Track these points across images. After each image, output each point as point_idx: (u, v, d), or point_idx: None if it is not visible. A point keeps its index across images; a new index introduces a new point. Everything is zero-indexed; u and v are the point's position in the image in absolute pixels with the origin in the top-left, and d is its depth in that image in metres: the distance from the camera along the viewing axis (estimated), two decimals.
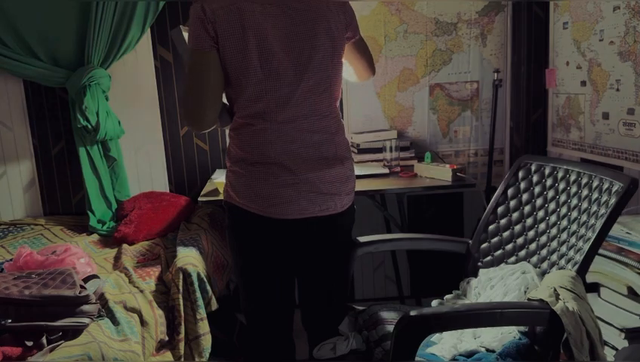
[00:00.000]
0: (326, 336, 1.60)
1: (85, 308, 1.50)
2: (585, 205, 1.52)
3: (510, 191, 1.78)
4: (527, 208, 1.72)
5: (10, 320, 1.39)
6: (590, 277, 1.86)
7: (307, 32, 1.50)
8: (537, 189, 1.71)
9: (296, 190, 1.52)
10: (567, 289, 1.34)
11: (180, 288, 1.80)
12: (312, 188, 1.53)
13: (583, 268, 1.43)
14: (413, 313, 1.25)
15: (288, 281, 1.70)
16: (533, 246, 1.66)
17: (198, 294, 1.81)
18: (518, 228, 1.73)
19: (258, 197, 1.53)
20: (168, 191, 2.65)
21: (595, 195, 1.50)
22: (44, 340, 1.37)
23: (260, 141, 1.52)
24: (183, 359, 1.69)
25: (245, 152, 1.55)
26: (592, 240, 1.42)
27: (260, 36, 1.47)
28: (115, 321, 1.56)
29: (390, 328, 1.53)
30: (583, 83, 2.35)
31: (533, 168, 1.75)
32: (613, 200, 1.42)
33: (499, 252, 1.76)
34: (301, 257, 1.67)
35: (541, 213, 1.67)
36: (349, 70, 1.74)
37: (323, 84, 1.54)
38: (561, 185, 1.63)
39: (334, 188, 1.56)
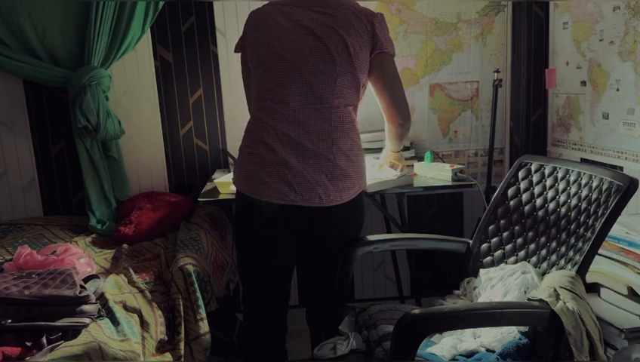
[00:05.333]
0: (323, 334, 1.62)
1: (85, 308, 1.50)
2: (585, 205, 1.52)
3: (510, 191, 1.78)
4: (527, 208, 1.72)
5: (10, 320, 1.39)
6: (590, 277, 1.86)
7: (319, 28, 1.61)
8: (537, 189, 1.71)
9: (276, 170, 1.61)
10: (567, 290, 1.34)
11: (180, 288, 1.80)
12: (291, 171, 1.60)
13: (582, 268, 1.43)
14: (413, 313, 1.25)
15: (284, 272, 1.76)
16: (533, 246, 1.66)
17: (198, 294, 1.81)
18: (518, 228, 1.73)
19: (243, 174, 1.67)
20: (168, 191, 2.65)
21: (595, 195, 1.50)
22: (43, 340, 1.37)
23: (258, 123, 1.67)
24: (183, 359, 1.69)
25: (246, 134, 1.71)
26: (591, 240, 1.42)
27: (270, 29, 1.64)
28: (115, 321, 1.56)
29: (390, 328, 1.53)
30: (583, 83, 2.35)
31: (533, 168, 1.75)
32: (613, 201, 1.42)
33: (499, 252, 1.75)
34: (294, 247, 1.74)
35: (541, 213, 1.67)
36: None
37: (325, 76, 1.62)
38: (561, 185, 1.63)
39: (320, 179, 1.61)
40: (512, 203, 1.76)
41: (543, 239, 1.63)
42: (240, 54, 1.82)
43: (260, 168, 1.62)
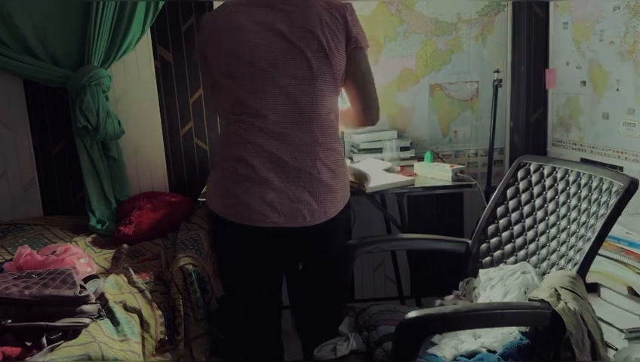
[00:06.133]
0: (318, 338, 1.59)
1: (85, 308, 1.50)
2: (584, 205, 1.52)
3: (509, 192, 1.78)
4: (526, 208, 1.72)
5: (10, 320, 1.39)
6: (590, 278, 1.86)
7: (290, 30, 1.47)
8: (537, 189, 1.71)
9: (256, 189, 1.48)
10: (568, 290, 1.34)
11: (180, 288, 1.79)
12: (273, 191, 1.48)
13: (583, 268, 1.43)
14: (415, 314, 1.25)
15: (270, 287, 1.67)
16: (532, 246, 1.66)
17: (198, 294, 1.81)
18: (517, 228, 1.72)
19: (221, 196, 1.54)
20: (168, 191, 2.65)
21: (595, 195, 1.50)
22: (43, 340, 1.37)
23: (235, 138, 1.53)
24: (183, 359, 1.69)
25: (222, 150, 1.58)
26: (592, 240, 1.41)
27: (235, 35, 1.48)
28: (115, 321, 1.56)
29: (390, 329, 1.53)
30: (583, 83, 2.35)
31: (532, 168, 1.75)
32: (613, 201, 1.42)
33: (498, 252, 1.75)
34: (278, 266, 1.65)
35: (540, 213, 1.67)
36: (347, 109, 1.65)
37: (304, 82, 1.49)
38: (561, 185, 1.63)
39: (304, 198, 1.50)
40: (511, 203, 1.76)
41: (542, 239, 1.63)
42: (200, 62, 1.66)
43: (240, 188, 1.50)
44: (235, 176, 1.51)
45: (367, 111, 1.60)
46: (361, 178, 1.99)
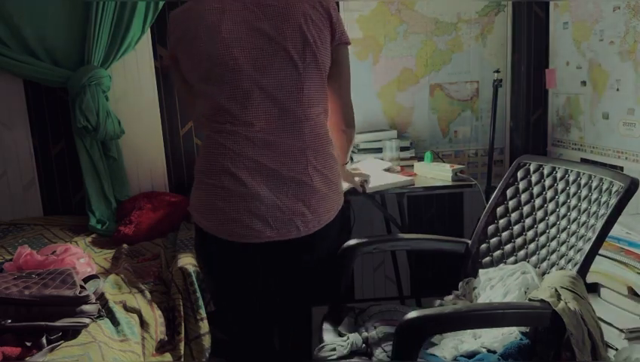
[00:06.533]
0: (309, 338, 1.58)
1: (85, 308, 1.50)
2: (585, 205, 1.52)
3: (509, 191, 1.78)
4: (526, 208, 1.72)
5: (10, 320, 1.39)
6: (590, 278, 1.86)
7: (272, 27, 1.39)
8: (536, 189, 1.71)
9: (247, 204, 1.40)
10: (568, 290, 1.34)
11: (180, 288, 1.80)
12: (265, 204, 1.40)
13: (583, 269, 1.43)
14: (415, 314, 1.25)
15: (265, 295, 1.61)
16: (532, 246, 1.66)
17: (198, 294, 1.81)
18: (517, 228, 1.72)
19: (209, 212, 1.45)
20: (168, 191, 2.65)
21: (595, 195, 1.50)
22: (43, 340, 1.37)
23: (219, 149, 1.43)
24: (183, 359, 1.69)
25: (203, 160, 1.48)
26: (592, 240, 1.41)
27: (211, 35, 1.39)
28: (114, 321, 1.56)
29: (390, 329, 1.53)
30: (583, 83, 2.35)
31: (532, 168, 1.75)
32: (613, 201, 1.41)
33: (498, 252, 1.75)
34: (271, 277, 1.59)
35: (540, 213, 1.67)
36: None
37: (290, 84, 1.41)
38: (561, 185, 1.63)
39: (297, 208, 1.42)
40: (510, 203, 1.76)
41: (542, 239, 1.63)
42: (171, 66, 1.54)
43: (229, 204, 1.40)
44: (223, 192, 1.41)
45: (343, 110, 1.56)
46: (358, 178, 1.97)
